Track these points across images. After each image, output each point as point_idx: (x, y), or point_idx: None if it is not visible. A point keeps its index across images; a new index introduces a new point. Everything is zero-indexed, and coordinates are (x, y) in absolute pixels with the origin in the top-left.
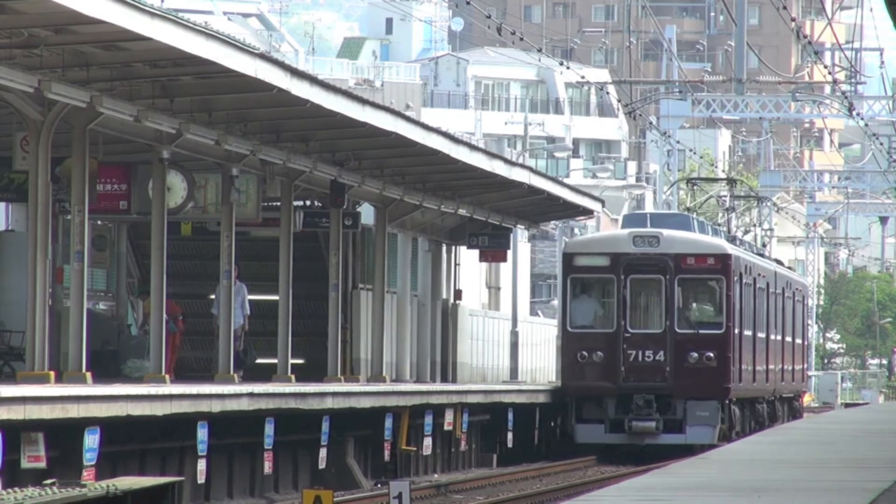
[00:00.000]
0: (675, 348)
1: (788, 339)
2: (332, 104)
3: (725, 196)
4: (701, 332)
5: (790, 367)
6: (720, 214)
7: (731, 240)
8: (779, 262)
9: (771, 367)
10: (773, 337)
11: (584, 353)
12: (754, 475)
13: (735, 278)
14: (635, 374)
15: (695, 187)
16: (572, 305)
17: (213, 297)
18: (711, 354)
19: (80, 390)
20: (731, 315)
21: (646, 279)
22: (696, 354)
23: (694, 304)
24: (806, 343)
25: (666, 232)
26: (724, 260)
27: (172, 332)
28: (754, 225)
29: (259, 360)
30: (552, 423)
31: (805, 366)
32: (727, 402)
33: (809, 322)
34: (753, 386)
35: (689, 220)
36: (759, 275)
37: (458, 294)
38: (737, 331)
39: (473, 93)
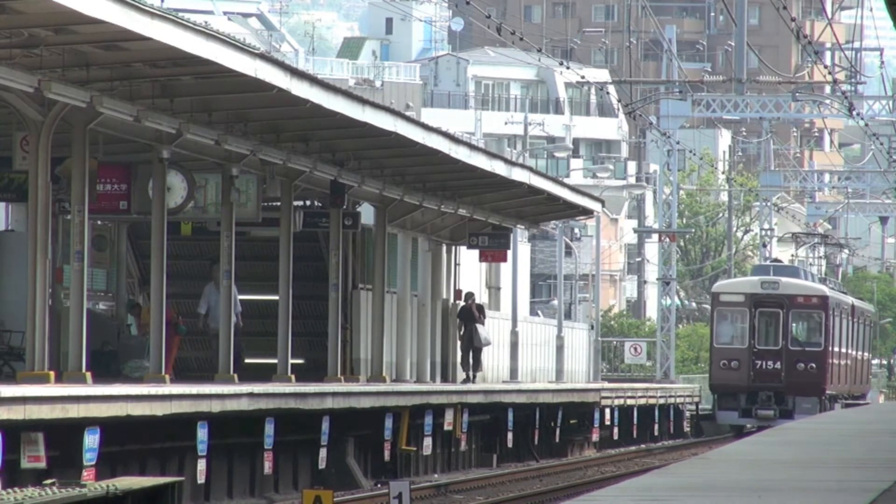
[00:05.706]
0: (788, 360)
1: (860, 353)
2: (332, 104)
3: (821, 243)
4: (806, 349)
5: (860, 374)
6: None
7: (822, 280)
8: (838, 287)
9: (849, 373)
10: (851, 352)
11: (725, 361)
12: (754, 475)
13: (831, 312)
14: (760, 377)
15: (798, 239)
16: (717, 329)
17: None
18: (813, 365)
19: (80, 390)
20: (828, 338)
21: (769, 311)
22: (802, 364)
23: (802, 329)
24: (870, 356)
25: (784, 279)
26: (824, 300)
27: (182, 333)
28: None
29: (259, 360)
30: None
31: (869, 372)
32: (823, 398)
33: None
34: (839, 387)
35: (799, 270)
36: (844, 307)
37: (458, 294)
38: (830, 348)
39: (473, 93)
